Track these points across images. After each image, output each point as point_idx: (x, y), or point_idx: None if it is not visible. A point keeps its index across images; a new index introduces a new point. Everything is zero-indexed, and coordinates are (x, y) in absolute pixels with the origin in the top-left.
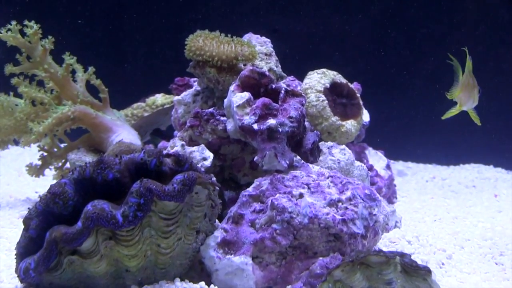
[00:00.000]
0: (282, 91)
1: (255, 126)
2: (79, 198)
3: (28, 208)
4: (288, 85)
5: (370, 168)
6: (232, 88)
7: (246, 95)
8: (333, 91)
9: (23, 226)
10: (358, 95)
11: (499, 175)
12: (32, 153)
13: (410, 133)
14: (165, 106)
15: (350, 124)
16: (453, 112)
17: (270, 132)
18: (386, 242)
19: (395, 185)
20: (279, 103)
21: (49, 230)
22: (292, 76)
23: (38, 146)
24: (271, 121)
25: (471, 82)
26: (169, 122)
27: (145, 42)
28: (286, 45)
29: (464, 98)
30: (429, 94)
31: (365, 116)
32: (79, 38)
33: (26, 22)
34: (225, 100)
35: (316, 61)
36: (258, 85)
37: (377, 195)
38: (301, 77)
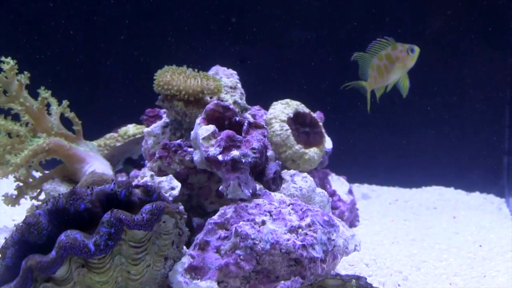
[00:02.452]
0: (245, 124)
1: (220, 157)
2: (53, 227)
3: (5, 238)
4: (253, 115)
5: (333, 193)
6: (198, 121)
7: (211, 127)
8: (296, 121)
9: None
10: (321, 123)
11: (459, 197)
12: (8, 182)
13: (374, 157)
14: (136, 136)
15: (313, 152)
16: (367, 96)
17: (234, 163)
18: (345, 265)
19: (357, 209)
20: (243, 135)
21: (24, 258)
22: (258, 106)
23: (14, 176)
24: (235, 153)
25: (388, 66)
26: (141, 151)
27: (117, 76)
28: (254, 74)
29: (373, 79)
30: (393, 119)
31: (328, 144)
32: (53, 71)
33: (2, 58)
34: (192, 132)
35: (282, 89)
36: (222, 118)
37: (336, 221)
38: (268, 103)
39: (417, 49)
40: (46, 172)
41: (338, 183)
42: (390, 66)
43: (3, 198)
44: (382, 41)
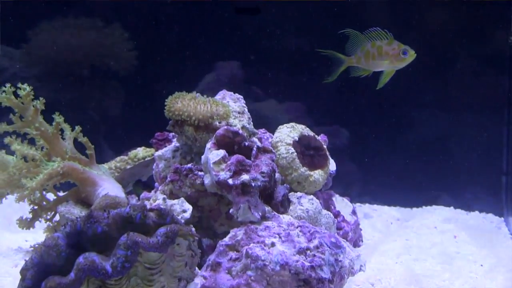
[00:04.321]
0: (255, 149)
1: (230, 181)
2: (71, 250)
3: (24, 260)
4: (260, 138)
5: (337, 214)
6: (208, 145)
7: (222, 152)
8: (301, 144)
9: (18, 276)
10: (325, 146)
11: (459, 216)
12: (21, 203)
13: (375, 177)
14: (146, 159)
15: (317, 174)
16: (340, 69)
17: (243, 186)
18: (351, 285)
19: (361, 229)
20: (252, 159)
21: (44, 280)
22: (263, 129)
23: (29, 199)
24: (245, 177)
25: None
26: (150, 173)
27: (126, 102)
28: (257, 97)
29: (356, 58)
30: (393, 140)
31: (332, 166)
32: (65, 97)
33: (19, 85)
34: (203, 157)
35: (285, 112)
36: (232, 143)
37: (342, 242)
38: (272, 126)
39: (410, 54)
40: (60, 194)
41: (342, 204)
42: (377, 57)
43: (18, 222)
44: (381, 32)
